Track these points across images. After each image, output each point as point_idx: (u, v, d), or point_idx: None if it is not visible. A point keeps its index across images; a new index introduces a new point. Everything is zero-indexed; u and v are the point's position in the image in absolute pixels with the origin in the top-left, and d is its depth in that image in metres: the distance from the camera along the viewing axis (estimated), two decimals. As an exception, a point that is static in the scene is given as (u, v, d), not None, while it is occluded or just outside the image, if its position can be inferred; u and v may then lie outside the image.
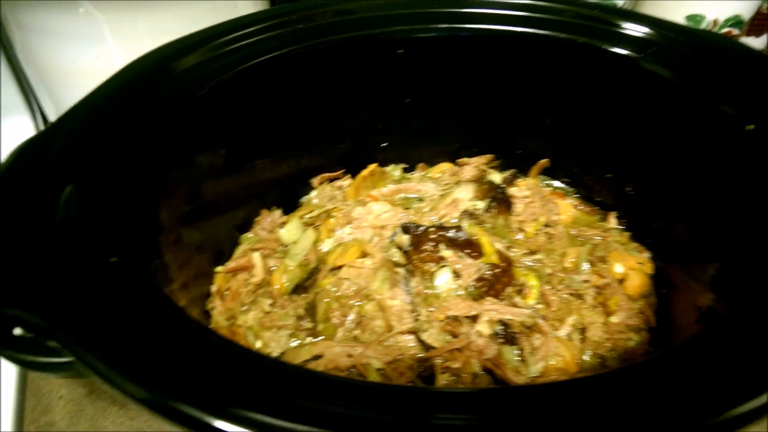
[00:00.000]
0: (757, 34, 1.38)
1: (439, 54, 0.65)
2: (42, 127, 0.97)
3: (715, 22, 1.15)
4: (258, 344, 0.57)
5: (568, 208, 0.74)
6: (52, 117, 0.92)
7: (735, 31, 1.18)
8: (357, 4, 0.63)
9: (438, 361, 0.57)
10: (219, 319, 0.59)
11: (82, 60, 0.76)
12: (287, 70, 0.58)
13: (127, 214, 0.42)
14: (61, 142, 0.44)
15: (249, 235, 0.68)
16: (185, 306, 0.53)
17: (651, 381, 0.32)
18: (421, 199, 0.76)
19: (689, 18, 1.15)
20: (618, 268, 0.65)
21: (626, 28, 0.61)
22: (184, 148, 0.51)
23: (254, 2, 0.84)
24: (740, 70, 0.56)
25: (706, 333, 0.36)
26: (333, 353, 0.56)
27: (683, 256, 0.60)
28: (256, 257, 0.63)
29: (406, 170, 0.80)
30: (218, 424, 0.28)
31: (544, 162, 0.77)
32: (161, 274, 0.48)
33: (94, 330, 0.33)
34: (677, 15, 1.16)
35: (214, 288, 0.61)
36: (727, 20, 1.15)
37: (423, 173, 0.80)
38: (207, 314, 0.60)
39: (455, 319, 0.59)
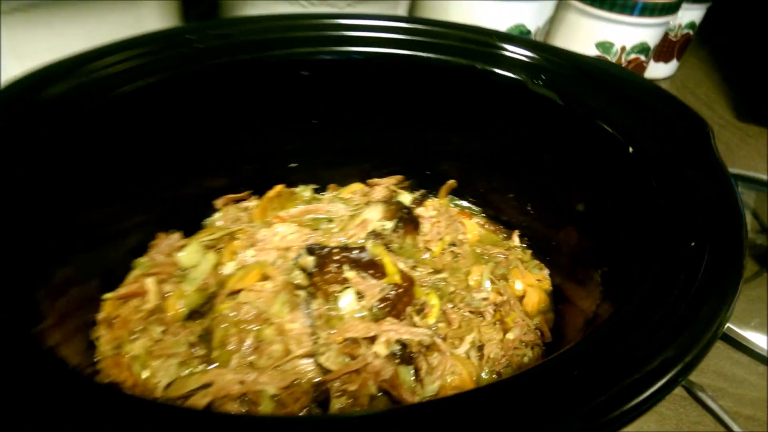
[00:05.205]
0: (666, 60, 1.46)
1: (338, 76, 0.65)
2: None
3: (623, 48, 1.21)
4: (145, 374, 0.55)
5: (474, 227, 0.75)
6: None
7: (642, 57, 1.25)
8: (254, 26, 0.62)
9: (336, 384, 0.56)
10: (105, 349, 0.56)
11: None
12: (174, 94, 0.57)
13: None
14: None
15: (143, 259, 0.65)
16: (63, 339, 0.50)
17: (526, 391, 0.33)
18: (330, 220, 0.76)
19: (599, 45, 1.22)
20: (518, 285, 0.66)
21: (516, 53, 0.64)
22: (56, 178, 0.49)
23: (161, 19, 0.82)
24: (619, 93, 0.59)
25: (585, 338, 0.38)
26: (224, 381, 0.54)
27: (574, 267, 0.62)
28: (150, 282, 0.61)
29: (317, 191, 0.80)
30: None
31: (452, 182, 0.78)
32: (31, 309, 0.45)
33: None
34: (588, 42, 1.22)
35: (100, 316, 0.58)
36: (634, 47, 1.21)
37: (334, 194, 0.80)
38: (92, 344, 0.57)
39: (354, 341, 0.59)
